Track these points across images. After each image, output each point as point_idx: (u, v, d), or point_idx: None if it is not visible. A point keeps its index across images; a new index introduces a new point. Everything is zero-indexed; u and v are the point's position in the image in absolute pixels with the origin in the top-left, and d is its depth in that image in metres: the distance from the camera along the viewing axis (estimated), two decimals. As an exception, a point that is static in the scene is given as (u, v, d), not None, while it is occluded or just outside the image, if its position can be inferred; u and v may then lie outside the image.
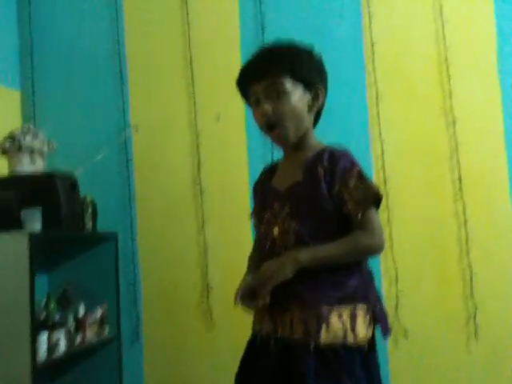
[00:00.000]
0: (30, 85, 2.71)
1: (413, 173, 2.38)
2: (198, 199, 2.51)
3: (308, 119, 1.45)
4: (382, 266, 2.34)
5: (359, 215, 1.34)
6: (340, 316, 1.31)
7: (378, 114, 2.40)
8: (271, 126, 1.42)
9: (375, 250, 1.41)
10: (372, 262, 2.32)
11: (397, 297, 2.31)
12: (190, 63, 2.56)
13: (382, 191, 2.29)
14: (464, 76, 2.36)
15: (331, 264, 1.34)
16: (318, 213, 1.37)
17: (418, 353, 2.31)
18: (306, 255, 1.33)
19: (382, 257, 2.32)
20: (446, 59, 2.36)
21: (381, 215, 2.29)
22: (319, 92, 1.44)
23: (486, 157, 2.33)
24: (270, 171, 1.56)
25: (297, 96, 1.40)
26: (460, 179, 2.32)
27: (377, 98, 2.41)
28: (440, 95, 2.39)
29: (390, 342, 2.30)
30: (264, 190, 1.52)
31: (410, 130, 2.40)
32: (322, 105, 1.48)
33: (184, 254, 2.52)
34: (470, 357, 2.28)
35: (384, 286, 2.32)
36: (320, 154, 1.41)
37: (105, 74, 2.67)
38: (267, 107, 1.39)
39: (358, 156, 2.41)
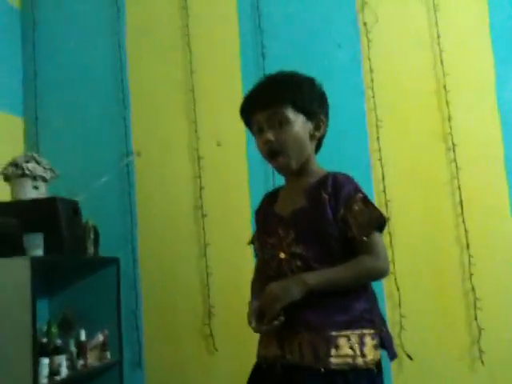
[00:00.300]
0: (33, 111, 2.75)
1: (414, 197, 2.39)
2: (200, 224, 2.52)
3: (310, 147, 1.47)
4: (385, 291, 2.33)
5: (364, 239, 1.36)
6: (348, 339, 1.32)
7: (378, 139, 2.43)
8: (274, 153, 1.44)
9: (381, 272, 1.42)
10: (375, 287, 2.32)
11: (400, 321, 2.30)
12: (192, 90, 2.60)
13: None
14: (462, 102, 2.39)
15: (338, 287, 1.35)
16: (323, 237, 1.38)
17: (422, 377, 2.29)
18: (314, 278, 1.34)
19: (385, 281, 2.32)
20: (445, 86, 2.40)
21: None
22: (321, 122, 1.48)
23: (486, 181, 2.35)
24: (271, 197, 1.58)
25: (299, 125, 1.43)
26: (461, 204, 2.33)
27: (376, 123, 2.44)
28: (439, 121, 2.42)
29: (393, 366, 2.28)
30: (266, 216, 1.54)
31: (410, 155, 2.42)
32: (324, 133, 1.51)
33: (186, 278, 2.52)
34: (476, 380, 2.26)
35: (387, 311, 2.31)
36: (323, 179, 1.43)
37: (107, 100, 2.71)
38: (270, 136, 1.42)
39: (358, 181, 2.44)
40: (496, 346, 2.25)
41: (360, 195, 1.39)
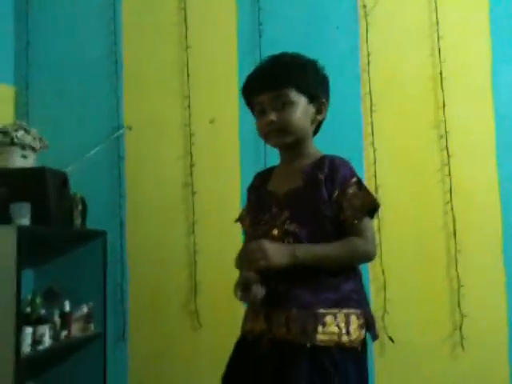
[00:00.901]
0: (25, 81, 2.70)
1: (404, 183, 2.40)
2: (189, 201, 2.51)
3: (310, 129, 1.49)
4: (370, 274, 2.35)
5: (355, 222, 1.38)
6: (335, 318, 1.33)
7: (372, 123, 2.42)
8: (274, 133, 1.45)
9: (369, 256, 1.43)
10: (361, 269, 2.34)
11: (384, 305, 2.32)
12: (186, 65, 2.57)
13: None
14: (457, 89, 2.39)
15: (325, 264, 1.37)
16: (317, 217, 1.39)
17: (404, 360, 2.31)
18: (304, 252, 1.35)
19: (370, 264, 2.33)
20: (441, 72, 2.40)
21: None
22: (322, 105, 1.49)
23: (476, 170, 2.36)
24: (264, 176, 1.59)
25: (301, 107, 1.44)
26: (450, 191, 2.34)
27: (371, 107, 2.43)
28: (433, 107, 2.42)
29: (376, 349, 2.31)
30: (259, 193, 1.55)
31: (403, 141, 2.42)
32: (324, 117, 1.52)
33: (173, 254, 2.51)
34: (456, 366, 2.29)
35: (372, 294, 2.33)
36: (320, 161, 1.44)
37: (100, 72, 2.67)
38: (273, 116, 1.43)
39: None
40: (477, 333, 2.28)
41: (355, 179, 1.41)
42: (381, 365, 2.32)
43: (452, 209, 2.34)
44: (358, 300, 1.39)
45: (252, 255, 1.33)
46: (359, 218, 1.38)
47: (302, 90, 1.44)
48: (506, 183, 2.35)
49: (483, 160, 2.38)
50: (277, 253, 1.33)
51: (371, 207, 1.41)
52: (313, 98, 1.46)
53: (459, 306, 2.29)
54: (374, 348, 2.31)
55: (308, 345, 1.31)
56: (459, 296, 2.29)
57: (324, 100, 1.49)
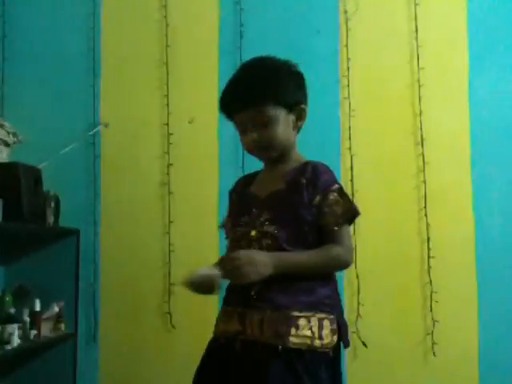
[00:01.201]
0: (0, 74, 2.65)
1: (380, 188, 2.42)
2: (166, 200, 2.49)
3: (293, 136, 1.50)
4: (345, 278, 2.36)
5: (335, 229, 1.39)
6: (309, 321, 1.34)
7: (350, 128, 2.44)
8: (261, 149, 1.47)
9: (347, 264, 1.45)
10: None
11: (357, 309, 2.34)
12: (166, 63, 2.55)
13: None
14: (435, 97, 2.43)
15: (303, 273, 1.37)
16: (297, 220, 1.40)
17: (376, 364, 2.34)
18: (283, 262, 1.35)
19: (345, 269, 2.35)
20: (419, 80, 2.43)
21: None
22: (302, 111, 1.48)
23: (451, 177, 2.40)
24: (247, 180, 1.60)
25: (282, 120, 1.44)
26: (425, 197, 2.37)
27: (350, 112, 2.44)
28: (410, 114, 2.45)
29: (348, 352, 2.32)
30: (241, 196, 1.55)
31: (380, 146, 2.44)
32: (305, 119, 1.52)
33: (147, 255, 2.49)
34: (427, 370, 2.32)
35: (346, 298, 2.34)
36: (303, 166, 1.45)
37: (78, 68, 2.62)
38: (255, 136, 1.43)
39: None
40: (448, 339, 2.31)
41: (337, 186, 1.42)
42: (353, 368, 2.33)
43: (426, 215, 2.37)
44: (332, 306, 1.40)
45: (243, 269, 1.31)
46: (339, 224, 1.39)
47: (280, 103, 1.43)
48: (479, 190, 2.39)
49: (458, 167, 2.42)
50: (264, 264, 1.32)
51: (351, 215, 1.42)
52: (292, 107, 1.46)
53: (431, 311, 2.32)
54: (346, 352, 2.33)
55: (280, 347, 1.31)
56: (431, 302, 2.32)
57: (303, 105, 1.48)
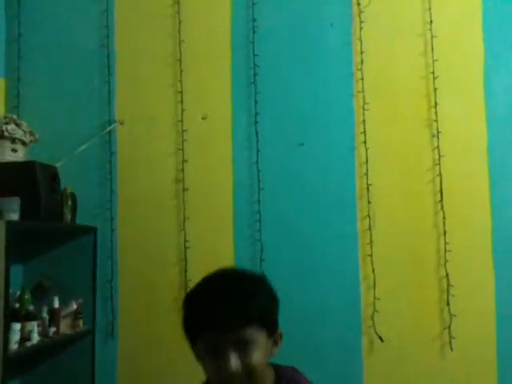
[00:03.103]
0: (16, 72, 2.68)
1: (395, 181, 2.40)
2: (181, 197, 2.50)
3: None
4: (361, 273, 2.35)
5: None
6: None
7: (364, 121, 2.42)
8: (238, 380, 1.21)
9: None
10: (351, 268, 2.35)
11: (374, 303, 2.33)
12: (180, 60, 2.56)
13: (364, 198, 2.36)
14: (450, 89, 2.39)
15: None
16: None
17: (393, 359, 2.32)
18: None
19: (361, 263, 2.35)
20: (433, 72, 2.39)
21: (362, 222, 2.36)
22: (278, 337, 1.31)
23: (468, 170, 2.36)
24: None
25: (263, 346, 1.24)
26: (441, 191, 2.35)
27: (364, 106, 2.42)
28: (425, 107, 2.41)
29: (365, 347, 2.32)
30: None
31: (395, 140, 2.42)
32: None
33: (163, 251, 2.51)
34: (444, 365, 2.30)
35: (362, 292, 2.34)
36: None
37: (92, 66, 2.65)
38: (237, 366, 1.19)
39: (341, 161, 2.46)
40: (466, 333, 2.28)
41: None
42: (370, 362, 2.33)
43: (442, 208, 2.34)
44: None
45: None
46: None
47: (263, 324, 1.23)
48: (496, 183, 2.35)
49: (474, 160, 2.38)
50: None
51: None
52: (271, 330, 1.27)
53: (448, 305, 2.30)
54: (363, 346, 2.33)
55: None
56: (448, 295, 2.30)
57: (280, 331, 1.30)
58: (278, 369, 1.33)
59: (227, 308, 1.20)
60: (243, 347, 1.20)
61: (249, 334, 1.20)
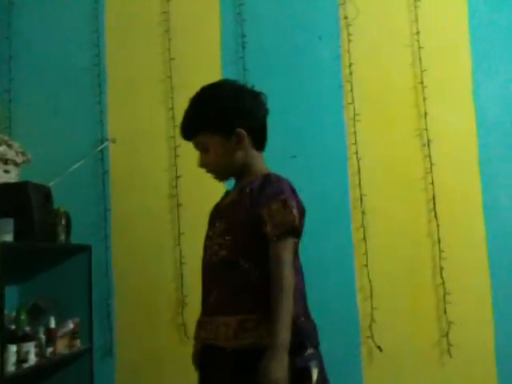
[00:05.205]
0: (7, 94, 2.68)
1: (388, 192, 2.42)
2: (175, 213, 2.51)
3: (239, 157, 1.54)
4: (357, 283, 2.36)
5: (274, 239, 1.40)
6: (254, 322, 1.40)
7: (355, 132, 2.44)
8: (210, 172, 1.61)
9: (290, 283, 1.39)
10: (347, 279, 2.35)
11: (371, 313, 2.33)
12: (170, 77, 2.57)
13: (358, 208, 2.37)
14: (439, 98, 2.43)
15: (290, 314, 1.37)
16: (246, 229, 1.45)
17: (392, 369, 2.32)
18: (281, 336, 1.33)
19: (357, 274, 2.35)
20: (422, 82, 2.43)
21: (356, 232, 2.37)
22: (239, 133, 1.52)
23: (459, 177, 2.39)
24: (223, 196, 1.68)
25: (217, 147, 1.54)
26: (434, 199, 2.37)
27: (354, 117, 2.45)
28: (415, 116, 2.45)
29: (364, 357, 2.32)
30: (212, 210, 1.66)
31: (386, 150, 2.44)
32: (258, 128, 1.57)
33: (159, 267, 2.50)
34: (443, 373, 2.31)
35: (359, 303, 2.34)
36: (258, 178, 1.50)
37: (83, 85, 2.65)
38: (200, 161, 1.59)
39: (334, 173, 2.47)
40: (464, 340, 2.29)
41: (282, 197, 1.43)
42: (369, 373, 2.33)
43: (436, 216, 2.36)
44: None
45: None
46: (278, 235, 1.40)
47: (214, 131, 1.52)
48: (488, 189, 2.38)
49: (466, 167, 2.41)
50: (280, 372, 1.31)
51: (291, 227, 1.41)
52: (227, 132, 1.52)
53: (445, 313, 2.31)
54: (362, 356, 2.32)
55: (229, 349, 1.39)
56: (445, 303, 2.31)
57: (239, 127, 1.51)
58: (273, 173, 1.53)
59: (183, 122, 1.58)
60: (201, 149, 1.57)
61: (200, 141, 1.55)
